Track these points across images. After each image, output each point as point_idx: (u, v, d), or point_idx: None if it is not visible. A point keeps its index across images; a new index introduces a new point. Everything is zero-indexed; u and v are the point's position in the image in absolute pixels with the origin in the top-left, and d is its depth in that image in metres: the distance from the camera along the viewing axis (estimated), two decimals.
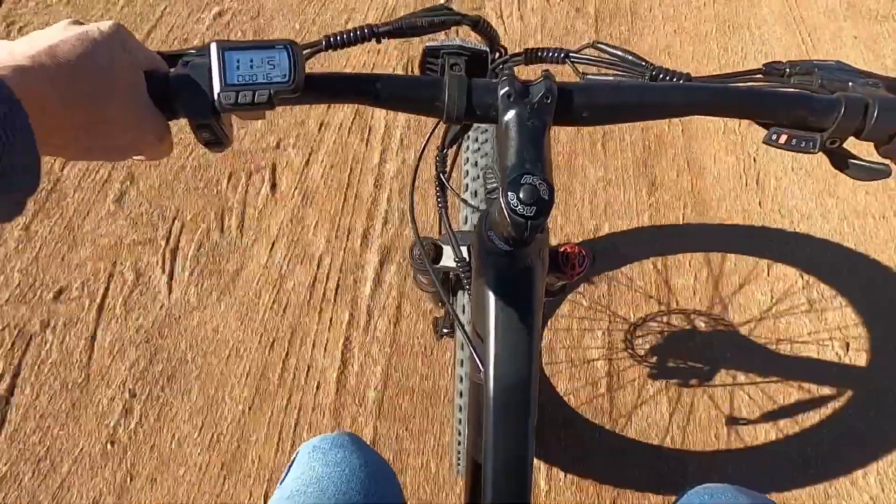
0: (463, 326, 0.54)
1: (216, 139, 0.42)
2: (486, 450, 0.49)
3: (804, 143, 0.45)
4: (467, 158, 0.89)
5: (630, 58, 0.50)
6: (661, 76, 0.49)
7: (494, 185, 0.47)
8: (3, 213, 0.34)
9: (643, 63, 0.50)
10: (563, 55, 0.53)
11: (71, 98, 0.36)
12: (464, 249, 0.65)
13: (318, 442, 0.65)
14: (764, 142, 0.46)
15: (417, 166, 0.65)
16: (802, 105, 0.45)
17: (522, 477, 0.50)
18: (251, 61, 0.40)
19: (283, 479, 0.64)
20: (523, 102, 0.43)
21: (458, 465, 1.05)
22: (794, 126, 0.45)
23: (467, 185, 0.87)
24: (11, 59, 0.35)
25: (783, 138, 0.45)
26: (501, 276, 0.48)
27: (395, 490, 0.64)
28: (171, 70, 0.42)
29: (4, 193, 0.32)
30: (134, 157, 0.43)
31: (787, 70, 0.48)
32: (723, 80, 0.49)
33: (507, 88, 0.43)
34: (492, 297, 0.49)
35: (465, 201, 0.68)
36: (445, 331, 1.05)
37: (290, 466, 0.65)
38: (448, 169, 0.72)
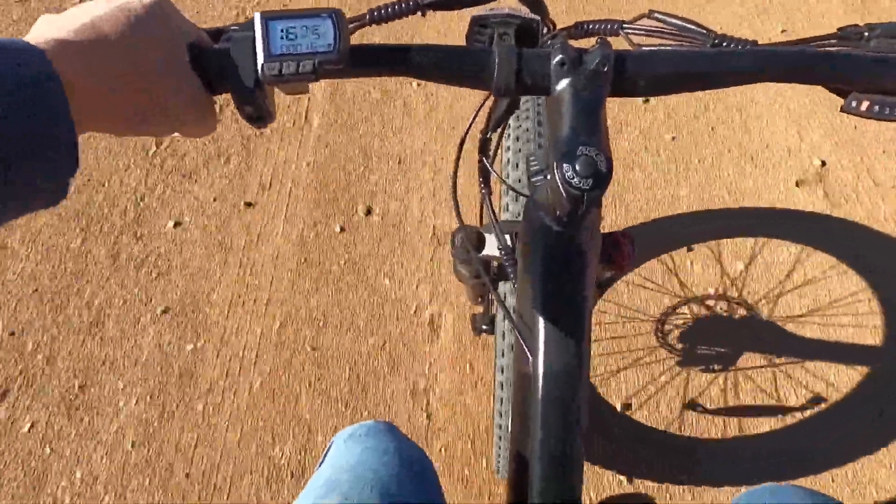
0: (509, 313, 0.52)
1: (259, 114, 0.41)
2: (534, 442, 0.47)
3: (888, 109, 0.41)
4: (509, 147, 0.87)
5: (690, 26, 0.47)
6: (724, 44, 0.46)
7: (538, 168, 0.45)
8: (46, 194, 0.33)
9: (704, 31, 0.47)
10: (616, 27, 0.50)
11: (113, 74, 0.36)
12: (507, 237, 0.62)
13: (353, 429, 0.64)
14: (843, 110, 0.42)
15: (460, 150, 0.62)
16: (886, 69, 0.41)
17: (573, 471, 0.47)
18: (295, 30, 0.38)
19: (319, 466, 0.63)
20: (577, 71, 0.41)
21: (499, 461, 1.03)
22: (876, 92, 0.42)
23: (509, 173, 0.84)
24: (55, 33, 0.34)
25: (864, 105, 0.41)
26: (552, 257, 0.46)
27: (431, 479, 0.63)
28: (216, 45, 0.41)
29: (45, 173, 0.32)
30: (178, 134, 0.42)
31: (866, 33, 0.45)
32: (793, 45, 0.45)
33: (560, 56, 0.41)
34: (541, 280, 0.46)
35: (509, 186, 0.66)
36: (484, 327, 1.03)
37: (326, 454, 0.64)
38: (492, 153, 0.70)
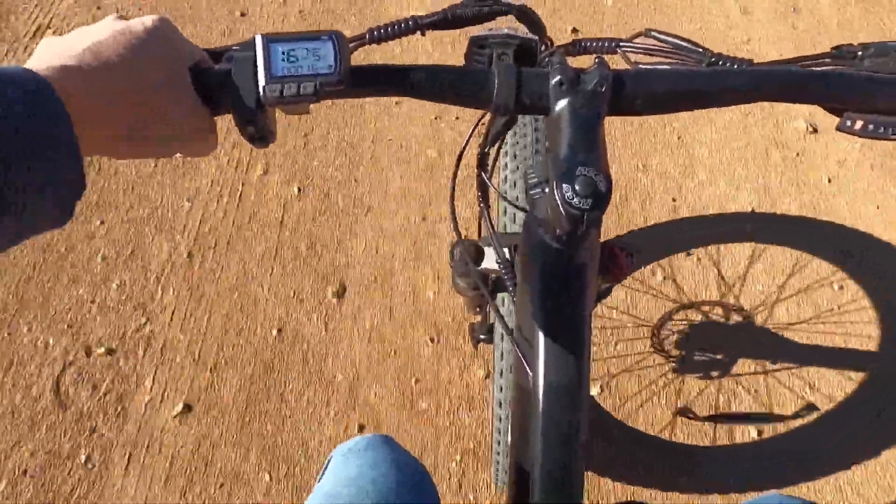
0: (509, 329, 0.52)
1: (261, 134, 0.41)
2: (534, 457, 0.47)
3: (882, 128, 0.42)
4: (506, 152, 0.87)
5: (686, 45, 0.48)
6: (720, 63, 0.46)
7: (536, 181, 0.45)
8: (54, 217, 0.34)
9: (700, 49, 0.47)
10: (613, 45, 0.51)
11: (116, 98, 0.36)
12: (506, 251, 0.63)
13: (352, 444, 0.65)
14: (838, 129, 0.43)
15: (458, 165, 0.63)
16: (879, 88, 0.42)
17: (573, 486, 0.48)
18: (296, 53, 0.39)
19: (319, 480, 0.64)
20: (576, 91, 0.41)
21: (498, 473, 1.03)
22: (870, 111, 0.42)
23: (506, 178, 0.85)
24: (58, 59, 0.35)
25: (859, 124, 0.42)
26: (552, 274, 0.46)
27: (429, 490, 0.64)
28: (217, 66, 0.41)
29: (45, 173, 0.32)
30: (179, 154, 0.42)
31: (860, 52, 0.45)
32: (788, 65, 0.46)
33: (558, 77, 0.41)
34: (541, 297, 0.47)
35: (507, 200, 0.66)
36: (482, 337, 1.03)
37: (325, 469, 0.65)
38: (490, 168, 0.70)
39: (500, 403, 0.92)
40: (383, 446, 0.64)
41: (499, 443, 0.98)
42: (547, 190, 0.44)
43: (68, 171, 0.33)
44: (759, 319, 1.29)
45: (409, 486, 0.61)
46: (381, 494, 0.58)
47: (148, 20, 0.39)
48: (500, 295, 0.83)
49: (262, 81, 0.39)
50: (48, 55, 0.35)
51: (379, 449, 0.63)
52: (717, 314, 1.29)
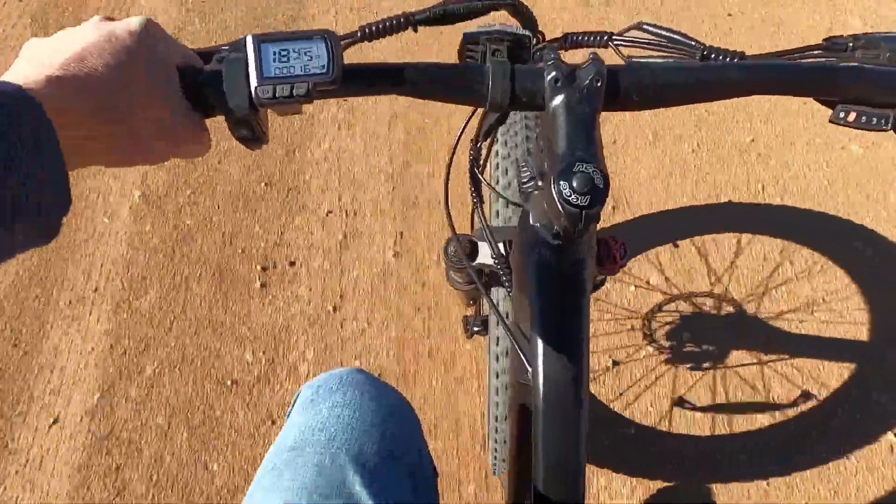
0: (507, 325, 0.52)
1: (253, 136, 0.41)
2: (536, 455, 0.47)
3: (875, 120, 0.42)
4: (497, 151, 0.87)
5: (679, 38, 0.48)
6: (713, 56, 0.46)
7: (529, 175, 0.45)
8: (40, 235, 0.33)
9: (693, 43, 0.48)
10: (605, 38, 0.50)
11: (103, 107, 0.35)
12: (500, 245, 0.63)
13: (322, 381, 0.59)
14: (831, 121, 0.43)
15: (451, 159, 0.63)
16: (871, 80, 0.42)
17: (575, 483, 0.48)
18: (288, 53, 0.38)
19: (285, 425, 0.57)
20: (571, 87, 0.41)
21: (495, 463, 1.03)
22: (862, 103, 0.42)
23: (498, 178, 0.84)
24: (44, 68, 0.34)
25: (852, 116, 0.42)
26: (550, 271, 0.46)
27: (413, 430, 0.59)
28: (206, 66, 0.41)
29: (38, 216, 0.31)
30: (172, 157, 0.42)
31: (851, 44, 0.46)
32: (780, 57, 0.46)
33: (554, 73, 0.41)
34: (540, 294, 0.47)
35: (500, 195, 0.66)
36: (476, 329, 1.03)
37: (291, 410, 0.58)
38: (482, 162, 0.70)
39: (497, 403, 0.92)
40: (359, 383, 0.57)
41: (496, 441, 0.99)
42: (541, 184, 0.44)
43: (55, 187, 0.32)
44: (748, 309, 1.30)
45: (389, 429, 0.55)
46: (357, 441, 0.52)
47: (134, 23, 0.38)
48: (494, 289, 0.83)
49: (253, 83, 0.38)
50: (33, 64, 0.34)
51: (354, 386, 0.57)
52: (705, 305, 1.30)
